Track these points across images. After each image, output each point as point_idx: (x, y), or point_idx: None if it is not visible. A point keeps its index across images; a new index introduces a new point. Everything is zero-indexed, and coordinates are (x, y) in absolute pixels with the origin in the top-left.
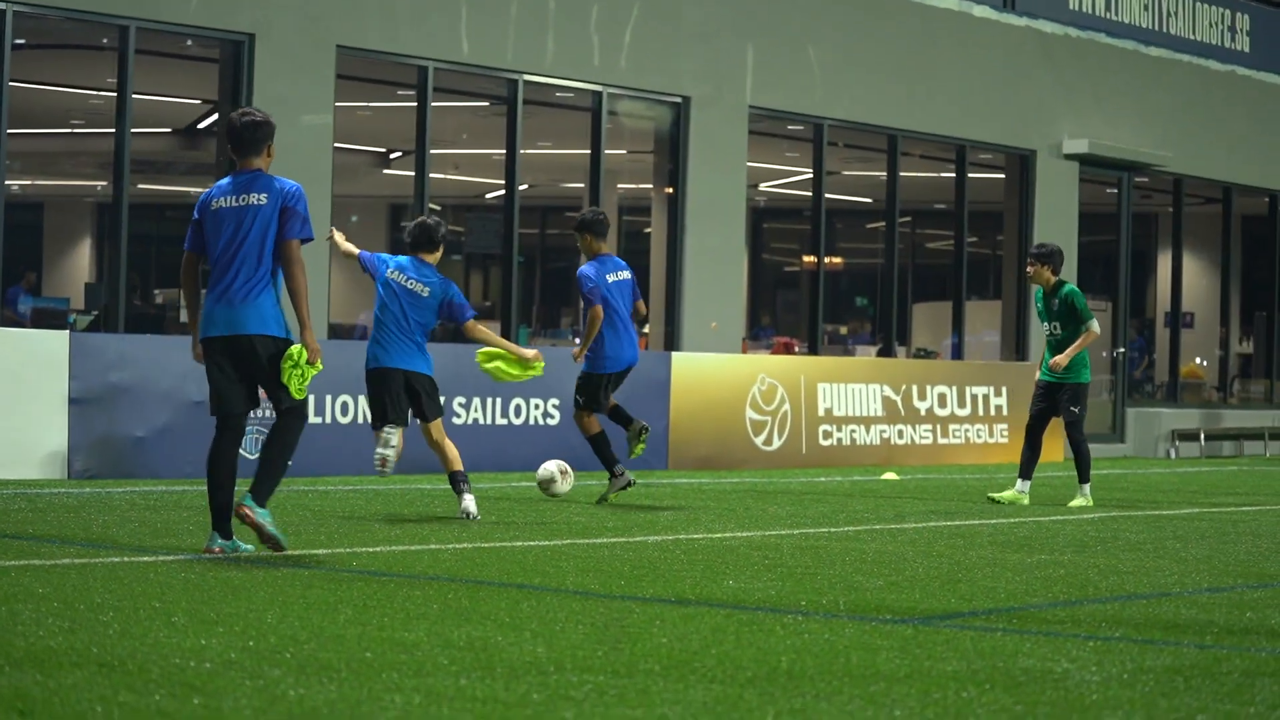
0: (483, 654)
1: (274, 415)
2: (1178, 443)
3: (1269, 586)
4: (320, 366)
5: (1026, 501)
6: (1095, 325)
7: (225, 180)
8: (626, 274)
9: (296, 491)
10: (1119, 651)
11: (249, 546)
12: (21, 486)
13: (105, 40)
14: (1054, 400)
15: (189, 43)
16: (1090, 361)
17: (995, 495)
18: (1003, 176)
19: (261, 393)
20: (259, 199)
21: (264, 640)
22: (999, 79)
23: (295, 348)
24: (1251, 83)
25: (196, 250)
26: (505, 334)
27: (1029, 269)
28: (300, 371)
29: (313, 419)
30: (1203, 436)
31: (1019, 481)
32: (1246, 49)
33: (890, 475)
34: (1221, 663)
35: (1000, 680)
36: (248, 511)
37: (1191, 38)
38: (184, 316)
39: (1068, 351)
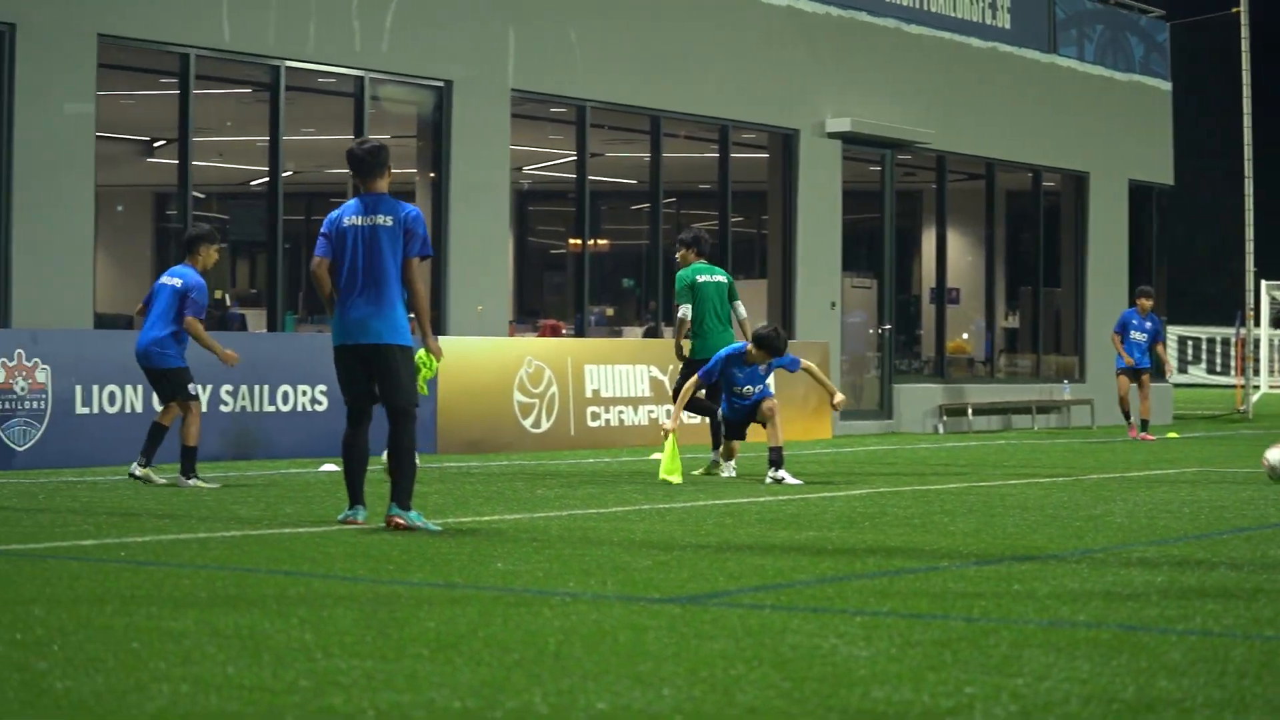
0: (250, 641)
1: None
2: (945, 418)
3: (1035, 559)
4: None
5: None
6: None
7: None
8: None
9: (66, 483)
10: (887, 626)
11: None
12: None
13: None
14: None
15: None
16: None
17: None
18: (766, 156)
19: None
20: (385, 220)
21: (30, 633)
22: (761, 59)
23: (421, 351)
24: (1012, 59)
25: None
26: (272, 323)
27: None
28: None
29: (81, 410)
30: (970, 411)
31: None
32: (1007, 25)
33: (658, 455)
34: (989, 635)
35: (768, 657)
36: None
37: (952, 15)
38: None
39: None
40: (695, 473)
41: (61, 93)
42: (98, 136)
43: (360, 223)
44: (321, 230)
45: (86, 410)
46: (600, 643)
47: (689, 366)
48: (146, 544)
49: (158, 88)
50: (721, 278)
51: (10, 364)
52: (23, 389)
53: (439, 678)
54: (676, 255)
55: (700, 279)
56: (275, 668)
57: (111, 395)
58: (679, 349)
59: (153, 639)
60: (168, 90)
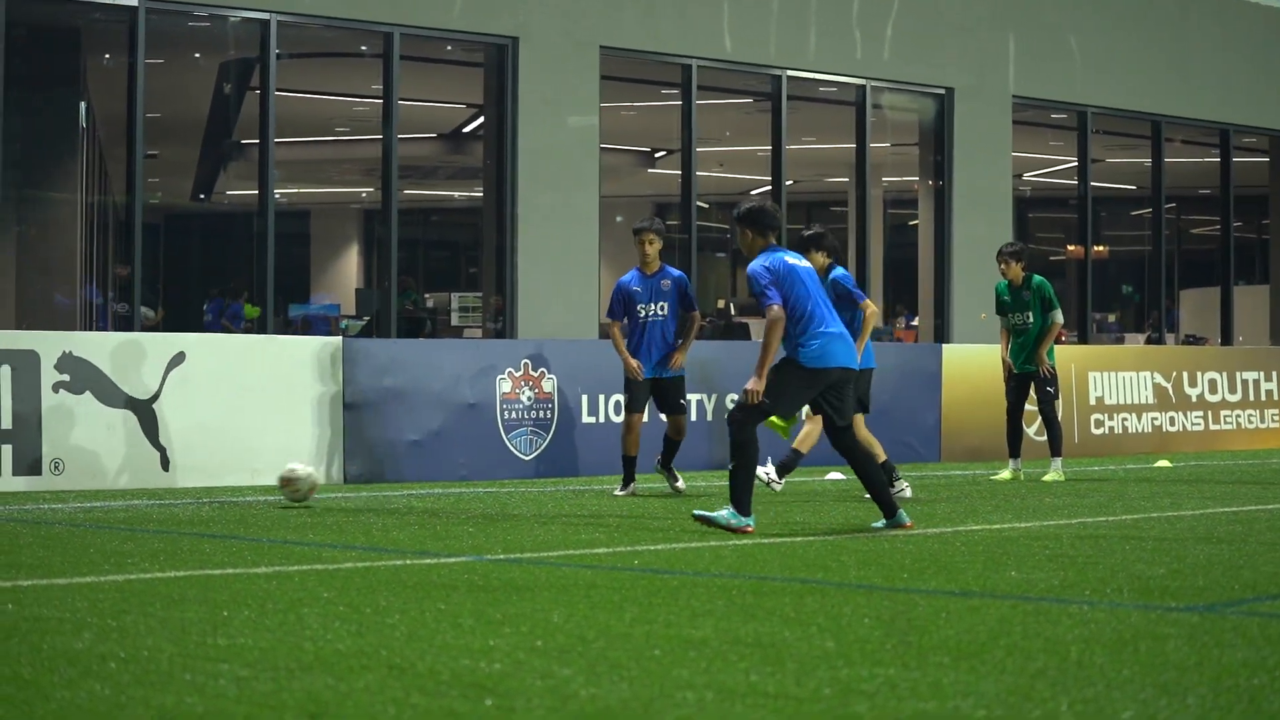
0: (771, 649)
1: None
2: None
3: None
4: None
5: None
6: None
7: None
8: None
9: (573, 491)
10: None
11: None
12: None
13: (365, 47)
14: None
15: (449, 48)
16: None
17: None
18: (1268, 160)
19: None
20: None
21: (552, 640)
22: (1261, 61)
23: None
24: None
25: None
26: None
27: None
28: None
29: (587, 419)
30: None
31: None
32: None
33: (1164, 463)
34: None
35: None
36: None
37: None
38: None
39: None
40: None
41: (565, 105)
42: (600, 148)
43: None
44: None
45: (592, 419)
46: (1121, 651)
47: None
48: (659, 552)
49: (659, 99)
50: None
51: (517, 374)
52: (529, 399)
53: (963, 686)
54: (1003, 266)
55: None
56: (798, 676)
57: (617, 404)
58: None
59: (673, 647)
60: (670, 101)
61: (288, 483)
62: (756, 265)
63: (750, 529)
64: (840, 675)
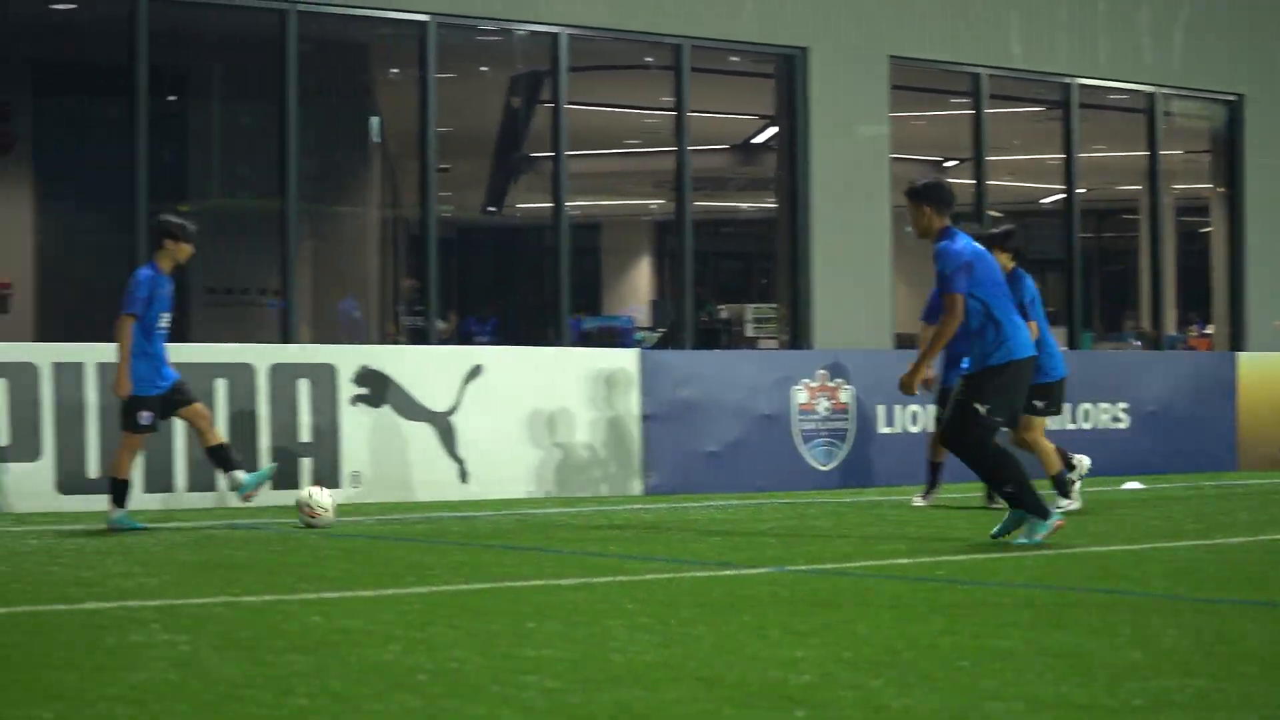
0: (1078, 660)
1: None
2: None
3: None
4: None
5: None
6: None
7: None
8: None
9: (871, 502)
10: None
11: None
12: (599, 503)
13: (650, 59)
14: None
15: (734, 59)
16: None
17: None
18: None
19: None
20: None
21: (859, 651)
22: None
23: None
24: None
25: None
26: (1071, 340)
27: None
28: None
29: (884, 429)
30: None
31: None
32: None
33: None
34: None
35: None
36: None
37: None
38: None
39: None
40: None
41: (855, 115)
42: (890, 158)
43: None
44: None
45: (889, 429)
46: None
47: None
48: (962, 562)
49: (948, 107)
50: None
51: (813, 385)
52: (826, 409)
53: (1276, 698)
54: None
55: None
56: (1108, 686)
57: (914, 415)
58: None
59: (981, 657)
60: (959, 110)
61: (311, 514)
62: (946, 245)
63: (1060, 523)
64: (1150, 686)
